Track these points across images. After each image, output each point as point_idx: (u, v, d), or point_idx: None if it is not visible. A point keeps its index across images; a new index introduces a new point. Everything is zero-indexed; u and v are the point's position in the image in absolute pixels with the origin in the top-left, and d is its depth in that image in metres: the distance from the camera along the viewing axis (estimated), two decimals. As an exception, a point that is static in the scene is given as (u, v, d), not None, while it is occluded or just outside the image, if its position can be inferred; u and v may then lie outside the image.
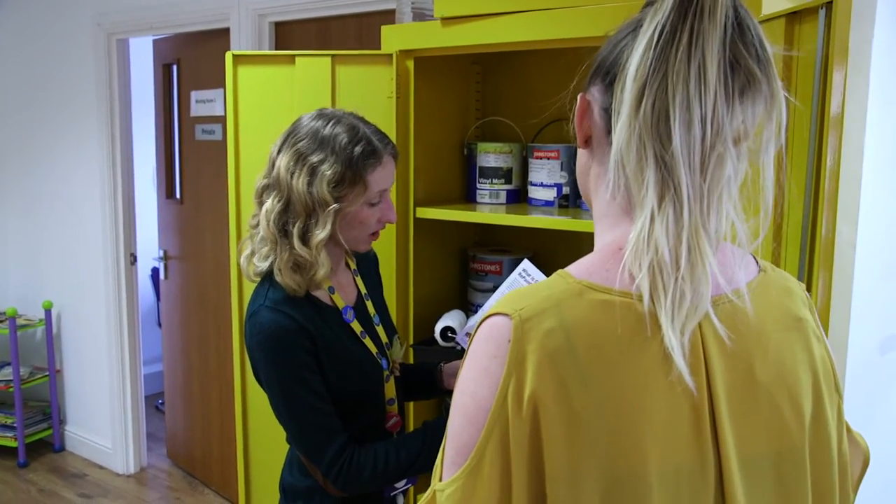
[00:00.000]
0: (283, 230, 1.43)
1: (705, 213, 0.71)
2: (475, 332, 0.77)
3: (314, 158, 1.40)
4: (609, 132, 0.79)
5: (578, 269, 0.77)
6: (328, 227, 1.40)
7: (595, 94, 0.82)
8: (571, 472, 0.69)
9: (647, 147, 0.71)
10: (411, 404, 1.96)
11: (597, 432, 0.69)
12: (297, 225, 1.41)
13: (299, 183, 1.39)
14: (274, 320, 1.39)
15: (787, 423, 0.77)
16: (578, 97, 0.83)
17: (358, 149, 1.41)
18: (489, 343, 0.74)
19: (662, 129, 0.70)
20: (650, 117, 0.71)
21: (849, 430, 0.87)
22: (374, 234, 1.53)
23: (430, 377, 1.72)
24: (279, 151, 1.46)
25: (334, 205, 1.40)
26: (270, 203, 1.43)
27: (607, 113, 0.79)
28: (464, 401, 0.75)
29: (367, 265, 1.70)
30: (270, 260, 1.44)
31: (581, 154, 0.86)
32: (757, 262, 0.83)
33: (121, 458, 3.97)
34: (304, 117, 1.49)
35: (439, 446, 1.44)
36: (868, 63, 1.17)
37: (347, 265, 1.63)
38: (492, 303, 1.65)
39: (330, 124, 1.44)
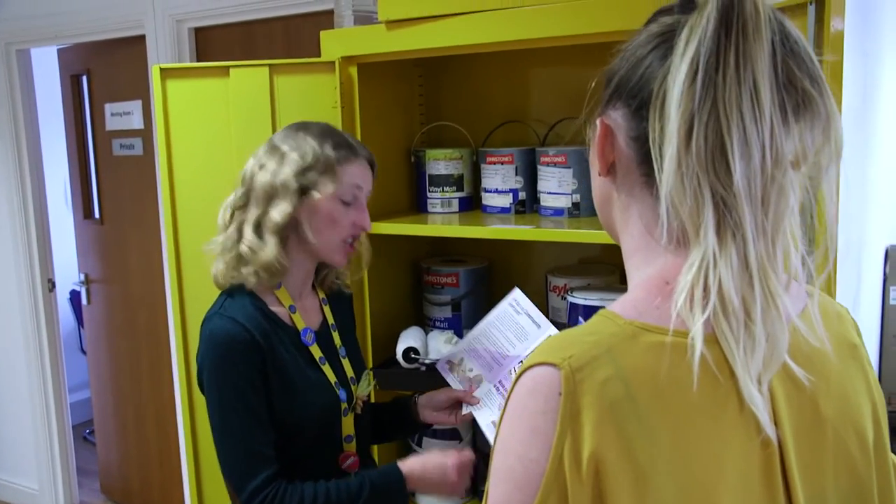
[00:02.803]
0: (238, 225, 1.40)
1: (771, 250, 0.65)
2: (514, 385, 0.69)
3: (285, 147, 1.39)
4: (641, 163, 0.72)
5: (624, 307, 0.70)
6: (286, 207, 1.35)
7: (618, 119, 0.74)
8: None
9: (702, 185, 0.64)
10: (376, 448, 1.86)
11: (667, 490, 0.63)
12: (255, 215, 1.38)
13: (266, 171, 1.38)
14: (224, 328, 1.33)
15: (854, 460, 0.73)
16: (598, 122, 0.75)
17: (331, 142, 1.40)
18: (536, 398, 0.66)
19: (719, 163, 0.63)
20: (704, 152, 0.64)
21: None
22: (349, 245, 1.45)
23: (405, 411, 1.63)
24: (253, 155, 1.44)
25: (294, 183, 1.36)
26: (233, 197, 1.42)
27: (637, 142, 0.71)
28: (509, 464, 0.66)
29: (342, 305, 1.62)
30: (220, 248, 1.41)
31: (601, 182, 0.78)
32: (804, 290, 0.77)
33: (49, 499, 3.71)
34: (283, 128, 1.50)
35: (383, 491, 1.37)
36: (842, 52, 1.14)
37: (315, 291, 1.55)
38: (480, 334, 1.58)
39: (305, 126, 1.44)
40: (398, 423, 1.65)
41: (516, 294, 1.57)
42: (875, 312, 3.22)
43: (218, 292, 1.45)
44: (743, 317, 0.64)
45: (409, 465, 1.42)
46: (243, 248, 1.38)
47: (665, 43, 0.69)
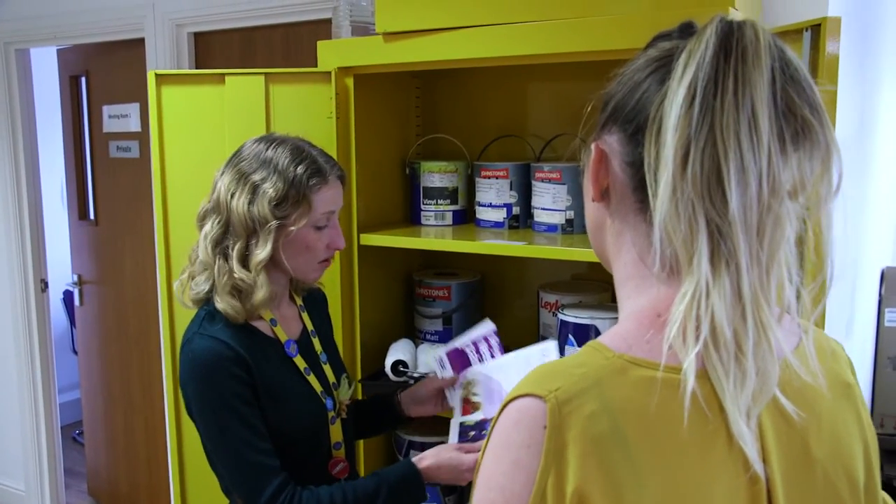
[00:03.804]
0: (223, 254, 1.36)
1: (765, 281, 0.63)
2: (499, 414, 0.67)
3: (256, 177, 1.36)
4: (636, 189, 0.70)
5: (614, 339, 0.68)
6: (269, 245, 1.34)
7: (613, 144, 0.72)
8: None
9: (697, 212, 0.62)
10: (362, 453, 1.86)
11: None
12: (236, 247, 1.35)
13: (240, 203, 1.34)
14: (207, 347, 1.32)
15: (844, 503, 0.71)
16: (592, 147, 0.74)
17: (301, 168, 1.36)
18: (520, 430, 0.64)
19: (715, 191, 0.62)
20: (699, 178, 0.62)
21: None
22: (325, 262, 1.45)
23: (387, 406, 1.63)
24: (222, 174, 1.41)
25: (274, 221, 1.33)
26: (210, 226, 1.38)
27: (632, 167, 0.70)
28: (491, 497, 0.65)
29: (316, 305, 1.61)
30: (210, 285, 1.37)
31: (594, 208, 0.77)
32: (797, 323, 0.76)
33: (36, 501, 3.68)
34: (248, 141, 1.44)
35: (400, 490, 1.37)
36: (837, 77, 1.13)
37: (293, 300, 1.55)
38: (500, 367, 1.55)
39: (273, 145, 1.40)
40: (381, 418, 1.65)
41: (549, 345, 1.55)
42: (870, 334, 3.21)
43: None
44: (734, 349, 0.63)
45: (425, 463, 1.40)
46: (238, 283, 1.35)
47: (663, 67, 0.68)
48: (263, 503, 1.30)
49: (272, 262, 1.39)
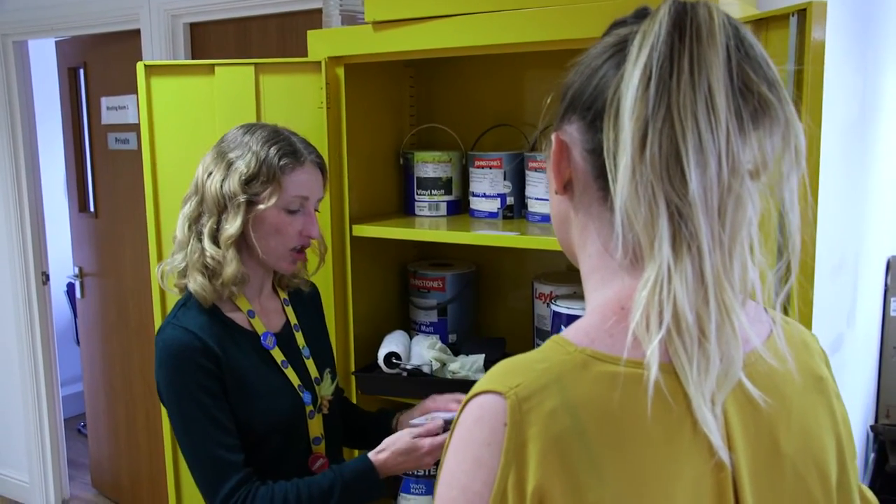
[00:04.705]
0: (197, 233, 1.38)
1: (728, 264, 0.62)
2: (461, 411, 0.66)
3: (231, 156, 1.37)
4: (597, 177, 0.69)
5: (577, 333, 0.67)
6: (237, 221, 1.34)
7: (573, 133, 0.71)
8: None
9: (657, 194, 0.61)
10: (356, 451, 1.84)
11: None
12: (209, 224, 1.36)
13: (214, 181, 1.36)
14: (175, 337, 1.32)
15: (815, 499, 0.69)
16: (553, 138, 0.73)
17: (274, 148, 1.37)
18: (481, 428, 0.63)
19: (674, 172, 0.61)
20: (658, 160, 0.61)
21: (859, 486, 0.80)
22: (298, 253, 1.44)
23: (386, 426, 1.60)
24: (203, 159, 1.43)
25: (242, 196, 1.34)
26: (188, 207, 1.39)
27: (593, 155, 0.69)
28: (452, 496, 0.64)
29: (303, 301, 1.59)
30: (185, 264, 1.38)
31: (558, 200, 0.75)
32: (766, 312, 0.74)
33: (39, 492, 3.71)
34: (233, 128, 1.46)
35: (356, 486, 1.34)
36: (823, 62, 1.12)
37: (276, 293, 1.53)
38: None
39: (252, 129, 1.42)
40: (377, 434, 1.63)
41: None
42: (875, 323, 3.19)
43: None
44: (697, 334, 0.61)
45: (381, 456, 1.38)
46: (208, 260, 1.36)
47: (620, 52, 0.67)
48: (221, 498, 1.30)
49: (245, 245, 1.39)
